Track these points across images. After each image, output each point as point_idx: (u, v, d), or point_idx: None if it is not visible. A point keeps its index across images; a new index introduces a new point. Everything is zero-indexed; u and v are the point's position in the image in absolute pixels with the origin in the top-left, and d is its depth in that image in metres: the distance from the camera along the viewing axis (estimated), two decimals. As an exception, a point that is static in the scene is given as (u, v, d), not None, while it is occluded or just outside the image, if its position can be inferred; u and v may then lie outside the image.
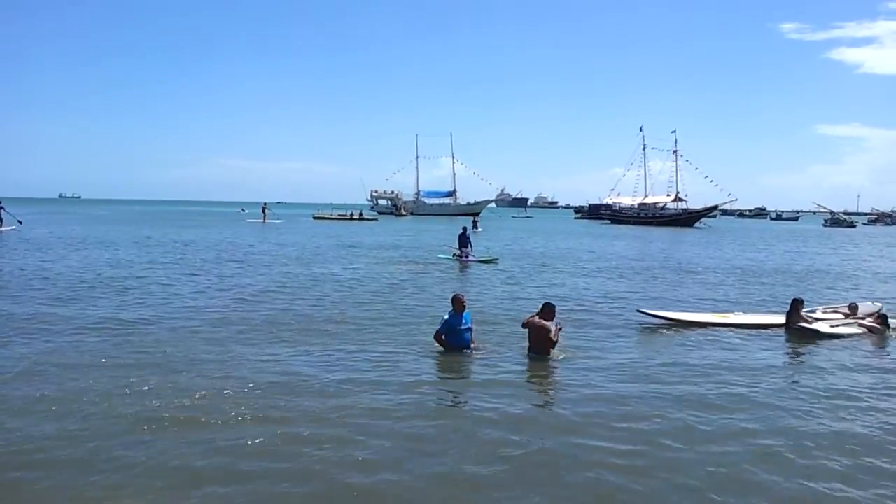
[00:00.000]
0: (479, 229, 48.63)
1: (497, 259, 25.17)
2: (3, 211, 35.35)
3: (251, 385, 7.93)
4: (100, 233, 39.21)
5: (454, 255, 24.84)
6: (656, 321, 13.03)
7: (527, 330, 9.86)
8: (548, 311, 9.73)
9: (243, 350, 9.81)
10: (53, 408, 6.97)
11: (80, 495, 5.21)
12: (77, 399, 7.25)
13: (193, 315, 12.61)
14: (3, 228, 34.47)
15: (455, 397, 8.06)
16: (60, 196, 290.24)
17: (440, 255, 25.79)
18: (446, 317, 9.97)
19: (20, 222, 37.27)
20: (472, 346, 10.02)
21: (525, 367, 9.35)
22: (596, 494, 5.50)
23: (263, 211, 61.10)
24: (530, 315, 10.04)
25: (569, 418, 7.25)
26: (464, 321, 9.95)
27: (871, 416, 7.71)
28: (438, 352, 9.89)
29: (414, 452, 6.18)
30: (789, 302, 13.20)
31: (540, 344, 9.63)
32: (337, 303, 14.64)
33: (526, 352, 9.81)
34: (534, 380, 8.94)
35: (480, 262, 24.08)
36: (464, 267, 22.97)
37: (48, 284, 16.13)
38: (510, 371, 9.13)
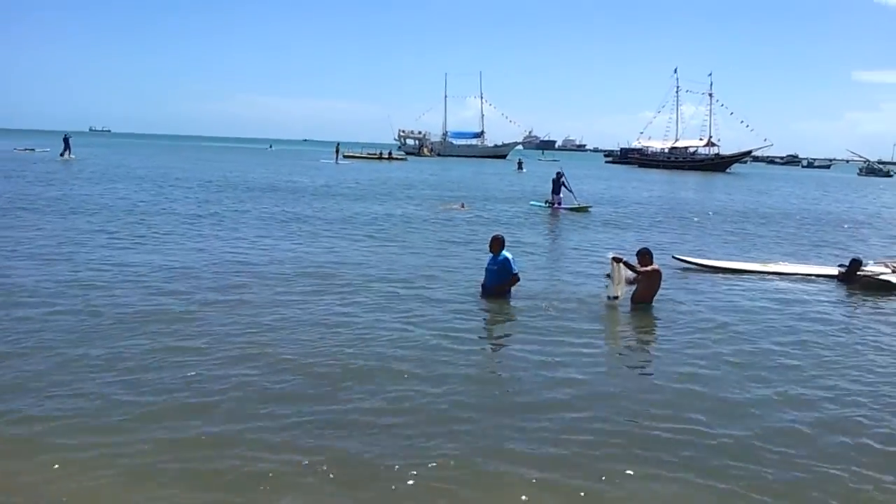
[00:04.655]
0: (525, 170, 54.77)
1: (590, 206, 24.44)
2: (70, 141, 45.58)
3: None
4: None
5: (547, 202, 24.30)
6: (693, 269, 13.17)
7: (633, 276, 9.59)
8: (647, 256, 9.56)
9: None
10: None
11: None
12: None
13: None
14: (71, 157, 43.99)
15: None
16: (91, 129, 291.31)
17: (532, 202, 25.43)
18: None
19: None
20: (503, 288, 9.72)
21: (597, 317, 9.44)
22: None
23: (336, 151, 63.86)
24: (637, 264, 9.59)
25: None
26: (493, 261, 9.74)
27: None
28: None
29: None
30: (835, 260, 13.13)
31: (651, 292, 9.54)
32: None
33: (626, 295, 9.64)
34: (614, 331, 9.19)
35: (572, 209, 23.55)
36: (554, 215, 22.67)
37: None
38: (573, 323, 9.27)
